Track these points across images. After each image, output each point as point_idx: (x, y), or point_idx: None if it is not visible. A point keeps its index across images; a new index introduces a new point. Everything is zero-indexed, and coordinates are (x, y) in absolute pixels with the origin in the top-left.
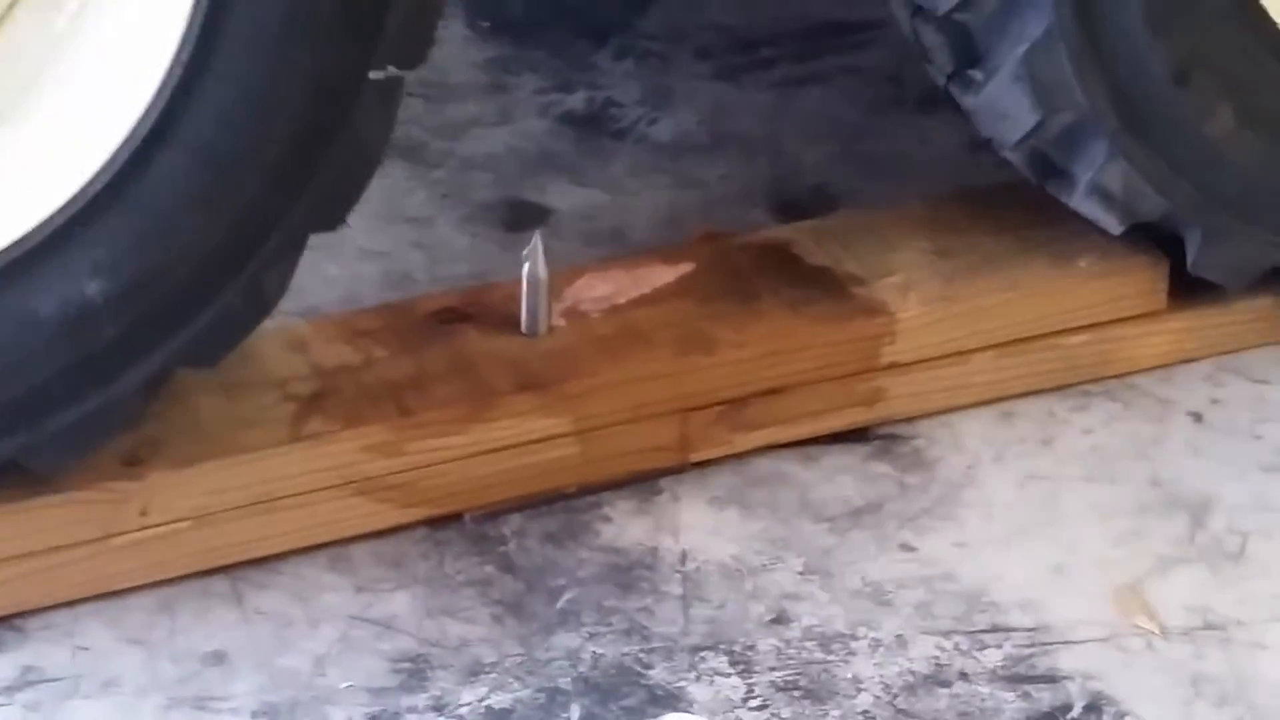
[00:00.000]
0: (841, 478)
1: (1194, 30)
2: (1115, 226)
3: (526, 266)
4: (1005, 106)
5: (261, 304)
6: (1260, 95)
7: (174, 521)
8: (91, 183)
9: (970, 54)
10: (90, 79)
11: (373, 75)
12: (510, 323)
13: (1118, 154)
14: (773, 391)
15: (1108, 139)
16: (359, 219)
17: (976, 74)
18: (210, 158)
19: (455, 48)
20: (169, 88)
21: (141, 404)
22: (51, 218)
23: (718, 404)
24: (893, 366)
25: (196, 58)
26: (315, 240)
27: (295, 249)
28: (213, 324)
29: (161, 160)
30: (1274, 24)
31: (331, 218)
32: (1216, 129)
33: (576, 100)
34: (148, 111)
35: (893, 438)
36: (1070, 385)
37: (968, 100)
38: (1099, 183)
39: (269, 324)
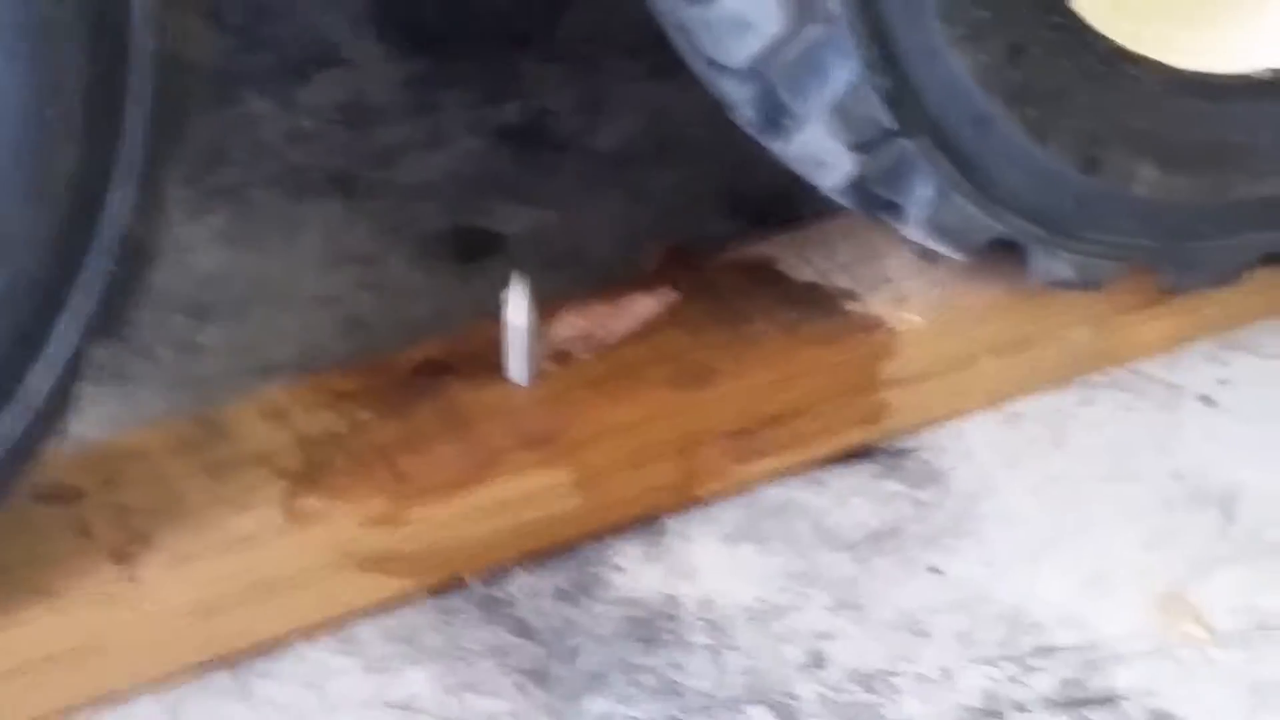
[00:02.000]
0: (854, 500)
1: (1081, 118)
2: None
3: (507, 311)
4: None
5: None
6: (1170, 136)
7: (171, 618)
8: None
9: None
10: None
11: None
12: (496, 370)
13: (1061, 253)
14: (775, 419)
15: (1045, 248)
16: (303, 263)
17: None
18: None
19: (373, 67)
20: None
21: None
22: None
23: (720, 436)
24: (894, 381)
25: None
26: (264, 292)
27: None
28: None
29: None
30: (1157, 63)
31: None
32: (1145, 187)
33: (510, 113)
34: None
35: (899, 452)
36: (1075, 378)
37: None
38: (1057, 275)
39: (242, 393)
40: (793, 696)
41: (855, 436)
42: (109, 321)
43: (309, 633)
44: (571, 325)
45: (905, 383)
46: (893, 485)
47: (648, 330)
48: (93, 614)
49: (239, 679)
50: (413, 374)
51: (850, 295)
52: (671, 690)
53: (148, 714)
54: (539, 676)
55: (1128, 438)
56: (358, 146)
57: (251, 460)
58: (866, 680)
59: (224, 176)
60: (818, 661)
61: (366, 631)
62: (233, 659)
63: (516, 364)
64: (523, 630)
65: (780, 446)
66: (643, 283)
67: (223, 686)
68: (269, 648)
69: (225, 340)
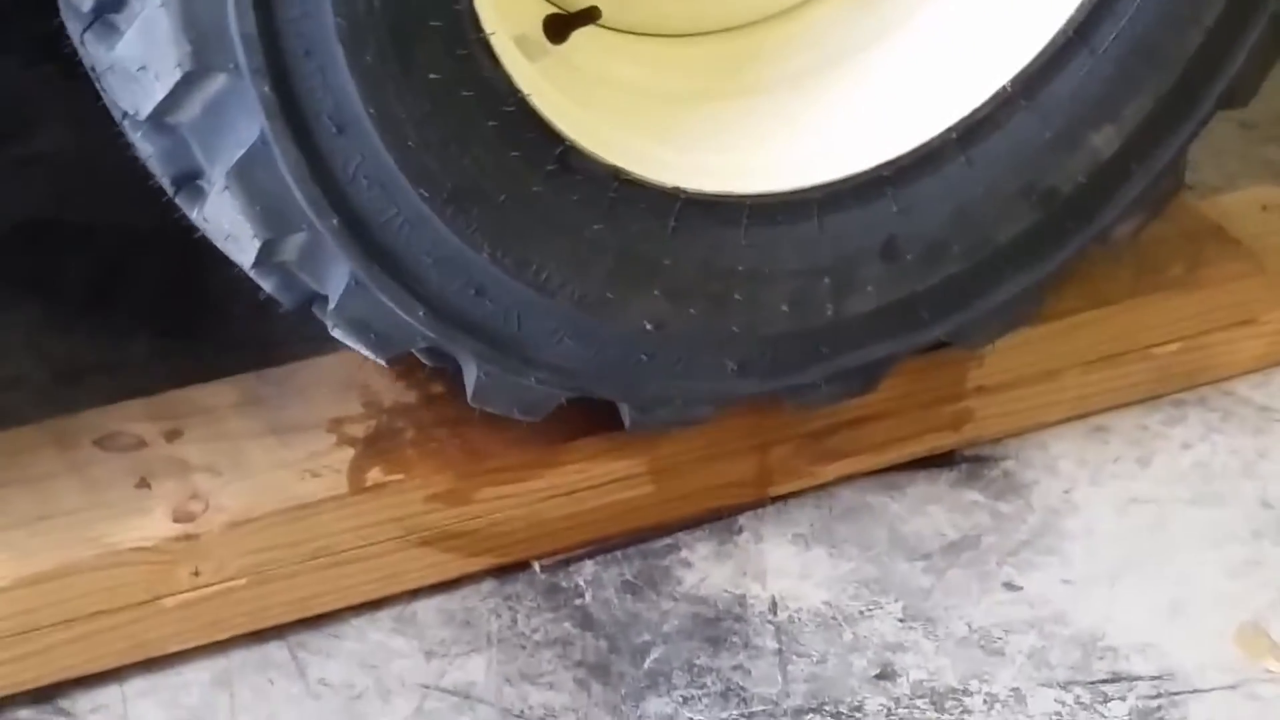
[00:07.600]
0: (931, 508)
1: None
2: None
3: None
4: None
5: None
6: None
7: (227, 580)
8: None
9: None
10: None
11: None
12: None
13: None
14: (854, 420)
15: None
16: None
17: None
18: None
19: None
20: None
21: None
22: None
23: (797, 435)
24: (979, 389)
25: None
26: None
27: None
28: None
29: None
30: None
31: None
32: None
33: None
34: None
35: (980, 460)
36: (1162, 395)
37: None
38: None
39: (314, 355)
40: (858, 709)
41: (936, 442)
42: None
43: (367, 609)
44: None
45: (990, 391)
46: (972, 495)
47: None
48: (147, 572)
49: (294, 655)
50: None
51: None
52: (736, 694)
53: (198, 680)
54: (600, 671)
55: (1215, 460)
56: None
57: (319, 425)
58: (936, 697)
59: None
60: (886, 673)
61: (426, 612)
62: (287, 630)
63: None
64: (586, 621)
65: (858, 449)
66: None
67: (277, 662)
68: (325, 621)
69: None
